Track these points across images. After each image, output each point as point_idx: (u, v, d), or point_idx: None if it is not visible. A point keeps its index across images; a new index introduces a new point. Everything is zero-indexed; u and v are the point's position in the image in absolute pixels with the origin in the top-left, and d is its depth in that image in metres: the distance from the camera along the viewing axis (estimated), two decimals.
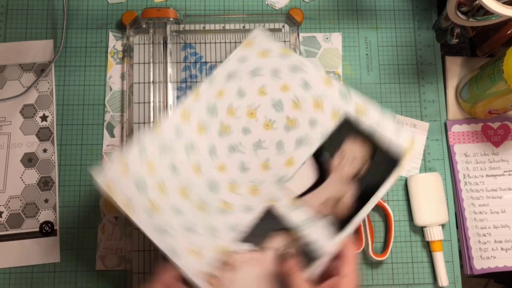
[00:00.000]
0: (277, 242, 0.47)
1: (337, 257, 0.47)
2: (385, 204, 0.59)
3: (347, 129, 0.50)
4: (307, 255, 0.47)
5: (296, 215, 0.48)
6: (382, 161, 0.49)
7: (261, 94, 0.51)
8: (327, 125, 0.50)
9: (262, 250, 0.47)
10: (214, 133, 0.50)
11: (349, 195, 0.49)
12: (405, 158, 0.49)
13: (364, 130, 0.50)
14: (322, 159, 0.50)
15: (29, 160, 0.60)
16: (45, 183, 0.60)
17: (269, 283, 0.47)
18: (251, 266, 0.47)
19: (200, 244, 0.47)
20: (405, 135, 0.50)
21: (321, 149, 0.50)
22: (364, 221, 0.59)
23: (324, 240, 0.47)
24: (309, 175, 0.50)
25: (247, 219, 0.48)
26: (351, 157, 0.50)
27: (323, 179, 0.49)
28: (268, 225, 0.48)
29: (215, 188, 0.49)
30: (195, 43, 0.62)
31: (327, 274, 0.46)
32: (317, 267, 0.47)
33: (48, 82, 0.62)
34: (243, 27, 0.63)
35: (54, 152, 0.60)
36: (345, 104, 0.51)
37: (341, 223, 0.48)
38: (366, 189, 0.49)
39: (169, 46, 0.61)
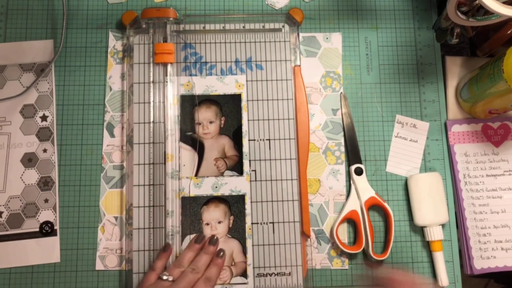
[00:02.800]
0: (215, 214, 0.58)
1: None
2: (385, 204, 0.59)
3: (189, 104, 0.60)
4: (236, 201, 0.58)
5: (206, 185, 0.59)
6: (230, 106, 0.60)
7: None
8: (173, 113, 0.60)
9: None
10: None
11: (227, 144, 0.60)
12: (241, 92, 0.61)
13: (200, 96, 0.61)
14: (189, 138, 0.60)
15: (29, 160, 0.60)
16: (45, 183, 0.60)
17: None
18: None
19: None
20: (230, 81, 0.61)
21: (183, 132, 0.59)
22: (364, 221, 0.59)
23: (239, 183, 0.59)
24: (190, 156, 0.60)
25: (176, 219, 0.57)
26: (207, 120, 0.60)
27: (202, 149, 0.60)
28: (194, 210, 0.58)
29: None
30: (195, 43, 0.62)
31: None
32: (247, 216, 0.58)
33: (48, 82, 0.62)
34: (243, 27, 0.63)
35: (54, 152, 0.60)
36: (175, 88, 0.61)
37: (239, 165, 0.59)
38: (234, 131, 0.60)
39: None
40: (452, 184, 0.62)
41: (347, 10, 0.66)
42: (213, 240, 0.56)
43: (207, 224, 0.58)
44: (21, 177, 0.60)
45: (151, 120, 0.59)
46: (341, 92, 0.63)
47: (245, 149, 0.59)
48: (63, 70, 0.63)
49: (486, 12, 0.54)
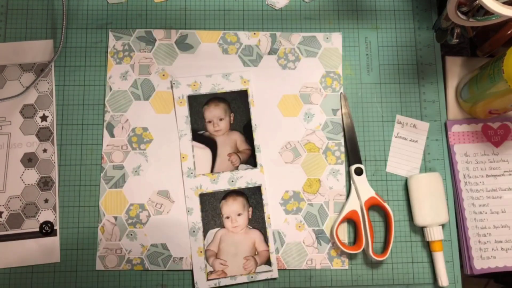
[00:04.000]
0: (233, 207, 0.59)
1: None
2: (385, 204, 0.59)
3: (197, 104, 0.61)
4: (253, 193, 0.60)
5: (222, 180, 0.60)
6: (238, 102, 0.62)
7: None
8: (182, 114, 0.61)
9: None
10: None
11: (239, 139, 0.61)
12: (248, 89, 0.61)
13: (209, 94, 0.61)
14: (201, 137, 0.61)
15: (29, 160, 0.60)
16: (45, 183, 0.60)
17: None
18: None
19: None
20: (235, 77, 0.62)
21: (194, 132, 0.61)
22: (364, 221, 0.59)
23: (254, 175, 0.60)
24: (204, 154, 0.61)
25: (197, 216, 0.59)
26: (217, 118, 0.61)
27: (215, 146, 0.61)
28: (213, 205, 0.59)
29: None
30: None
31: None
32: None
33: (48, 82, 0.62)
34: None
35: (54, 152, 0.60)
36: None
37: (252, 158, 0.61)
38: (244, 126, 0.61)
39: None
40: (452, 184, 0.62)
41: (347, 10, 0.66)
42: None
43: (227, 217, 0.59)
44: (21, 177, 0.59)
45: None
46: (341, 92, 0.63)
47: (256, 142, 0.61)
48: (63, 70, 0.63)
49: (486, 12, 0.54)
